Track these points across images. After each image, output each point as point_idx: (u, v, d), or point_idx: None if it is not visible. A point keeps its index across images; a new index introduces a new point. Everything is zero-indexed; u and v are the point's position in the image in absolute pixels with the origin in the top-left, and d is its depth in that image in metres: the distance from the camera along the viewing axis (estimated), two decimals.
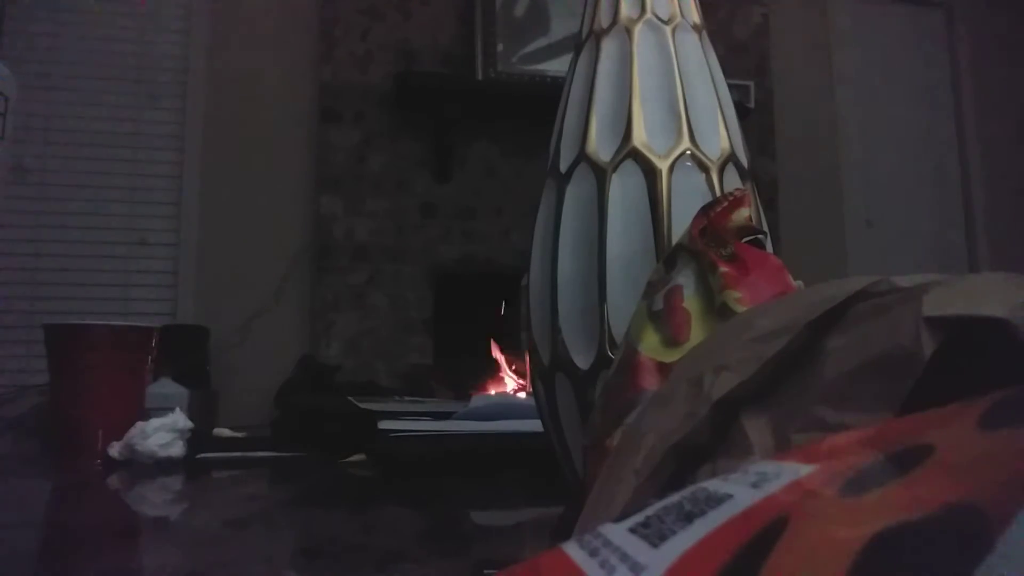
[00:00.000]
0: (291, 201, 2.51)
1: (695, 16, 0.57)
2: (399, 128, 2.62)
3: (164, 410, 0.90)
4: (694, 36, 0.56)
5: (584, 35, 0.58)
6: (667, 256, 0.37)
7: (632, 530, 0.13)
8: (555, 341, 0.53)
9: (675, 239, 0.40)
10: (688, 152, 0.52)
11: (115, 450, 0.86)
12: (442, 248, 2.63)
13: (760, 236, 0.37)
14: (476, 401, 0.98)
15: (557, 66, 2.61)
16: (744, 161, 0.55)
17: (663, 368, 0.32)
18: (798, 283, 0.34)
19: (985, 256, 3.26)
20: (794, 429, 0.17)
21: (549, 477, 0.59)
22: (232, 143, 2.48)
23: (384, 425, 0.82)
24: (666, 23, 0.55)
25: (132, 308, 2.33)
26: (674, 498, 0.13)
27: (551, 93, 0.66)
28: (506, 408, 0.91)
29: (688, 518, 0.12)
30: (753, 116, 2.88)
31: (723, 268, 0.33)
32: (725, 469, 0.17)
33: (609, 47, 0.55)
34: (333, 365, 2.32)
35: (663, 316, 0.34)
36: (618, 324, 0.49)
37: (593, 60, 0.56)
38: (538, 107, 1.46)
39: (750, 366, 0.19)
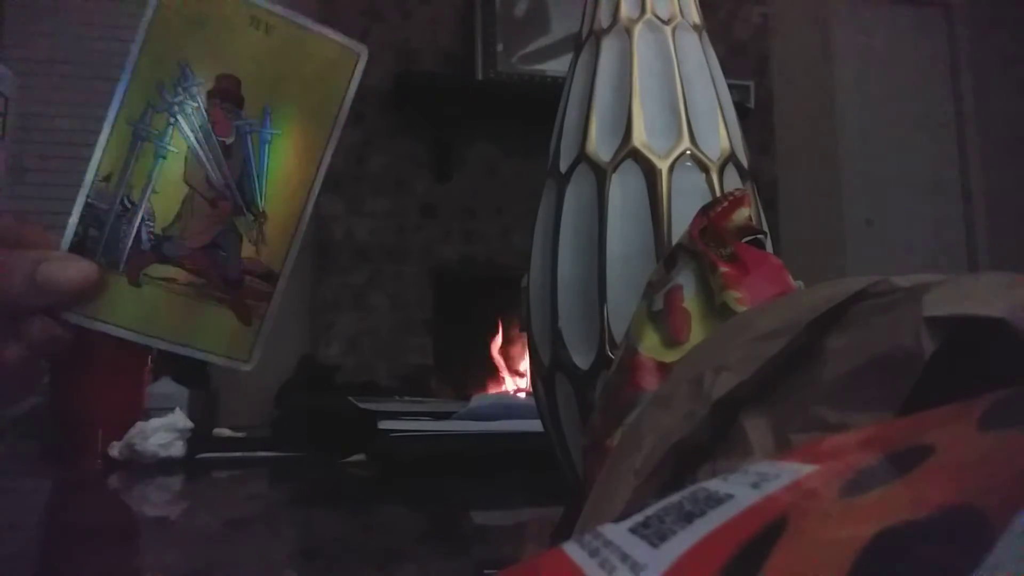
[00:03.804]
0: None
1: (695, 16, 0.57)
2: (399, 128, 2.62)
3: (164, 410, 0.90)
4: (694, 36, 0.56)
5: (584, 35, 0.58)
6: (667, 256, 0.37)
7: (632, 530, 0.13)
8: (555, 341, 0.53)
9: (675, 239, 0.40)
10: (688, 152, 0.52)
11: (115, 450, 0.86)
12: (442, 248, 2.64)
13: (760, 236, 0.37)
14: (476, 401, 0.98)
15: (557, 66, 2.61)
16: (744, 161, 0.55)
17: (663, 368, 0.32)
18: (798, 283, 0.34)
19: (985, 256, 3.26)
20: (794, 429, 0.17)
21: (549, 477, 0.59)
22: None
23: (384, 425, 0.82)
24: (666, 23, 0.55)
25: None
26: (674, 498, 0.13)
27: (551, 93, 0.66)
28: (506, 408, 0.91)
29: (688, 518, 0.12)
30: (753, 116, 2.88)
31: (723, 268, 0.33)
32: (725, 469, 0.17)
33: (609, 47, 0.55)
34: (333, 365, 2.32)
35: (663, 316, 0.34)
36: (618, 324, 0.49)
37: (593, 60, 0.56)
38: (538, 107, 1.46)
39: (750, 366, 0.19)
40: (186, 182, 0.33)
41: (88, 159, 0.33)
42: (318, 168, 0.35)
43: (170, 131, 0.33)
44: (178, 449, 0.86)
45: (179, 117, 0.33)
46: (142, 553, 0.51)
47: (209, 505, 0.71)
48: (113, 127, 0.33)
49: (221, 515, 0.64)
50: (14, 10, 2.42)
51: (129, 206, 0.33)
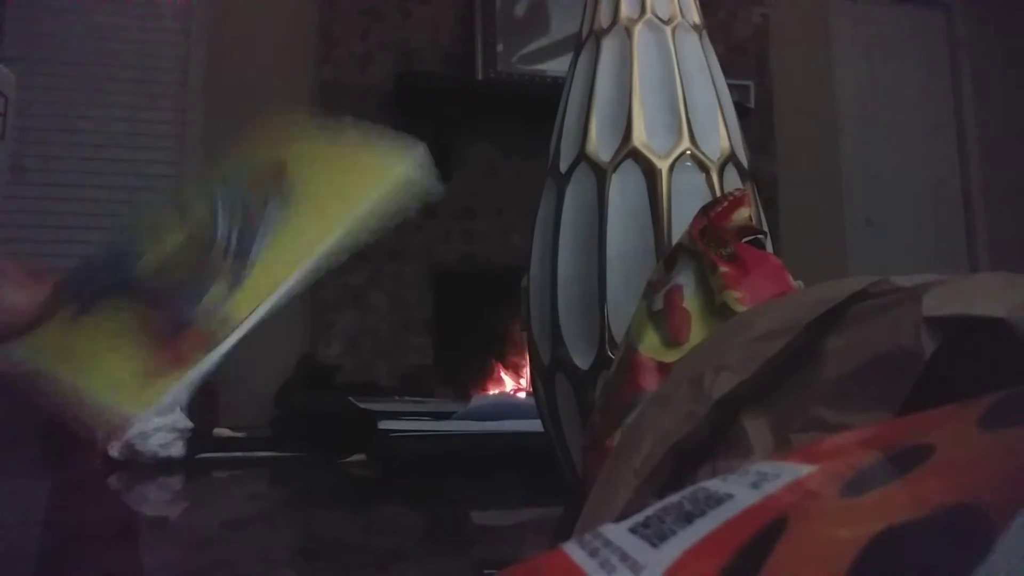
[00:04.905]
0: None
1: (695, 16, 0.57)
2: (399, 128, 2.61)
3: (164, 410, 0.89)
4: (694, 36, 0.56)
5: (584, 35, 0.58)
6: (667, 256, 0.37)
7: (632, 530, 0.13)
8: (555, 341, 0.53)
9: (675, 239, 0.40)
10: (688, 152, 0.52)
11: (115, 450, 0.86)
12: (442, 248, 2.63)
13: (760, 236, 0.37)
14: (476, 401, 0.98)
15: (557, 66, 2.61)
16: (744, 161, 0.55)
17: (663, 368, 0.32)
18: (798, 283, 0.34)
19: (985, 256, 3.26)
20: (794, 429, 0.17)
21: (549, 477, 0.59)
22: (232, 143, 2.48)
23: (384, 425, 0.82)
24: (666, 23, 0.55)
25: None
26: (674, 498, 0.13)
27: (551, 93, 0.66)
28: (506, 408, 0.91)
29: (688, 518, 0.12)
30: (753, 116, 2.88)
31: (723, 268, 0.33)
32: (725, 469, 0.17)
33: (609, 47, 0.55)
34: (333, 365, 2.32)
35: (663, 316, 0.34)
36: (618, 324, 0.49)
37: (593, 60, 0.56)
38: (538, 107, 1.46)
39: (750, 366, 0.19)
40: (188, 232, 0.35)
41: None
42: (316, 253, 0.36)
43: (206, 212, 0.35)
44: (178, 449, 0.86)
45: (219, 203, 0.36)
46: (142, 553, 0.51)
47: (209, 505, 0.71)
48: (159, 209, 0.35)
49: (221, 515, 0.64)
50: (14, 10, 2.42)
51: (130, 251, 0.34)
